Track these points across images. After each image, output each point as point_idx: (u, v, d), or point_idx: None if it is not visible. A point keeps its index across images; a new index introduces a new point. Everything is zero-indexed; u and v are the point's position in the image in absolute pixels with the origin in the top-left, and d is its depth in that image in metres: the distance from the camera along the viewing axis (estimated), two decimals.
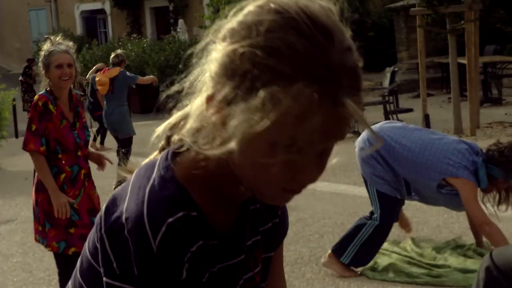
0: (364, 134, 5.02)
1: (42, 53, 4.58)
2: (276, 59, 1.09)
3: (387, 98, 12.90)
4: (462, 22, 10.71)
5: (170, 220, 1.17)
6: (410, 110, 13.80)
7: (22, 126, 19.12)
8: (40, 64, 4.61)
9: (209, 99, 1.16)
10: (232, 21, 1.17)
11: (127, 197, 1.23)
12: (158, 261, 1.17)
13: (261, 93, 1.09)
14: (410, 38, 17.17)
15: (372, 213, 5.14)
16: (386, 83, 12.87)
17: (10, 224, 8.03)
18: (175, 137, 1.30)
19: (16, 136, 16.85)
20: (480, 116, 11.35)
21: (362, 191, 7.74)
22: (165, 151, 1.30)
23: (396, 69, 13.73)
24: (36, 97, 4.62)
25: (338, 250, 5.15)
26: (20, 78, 20.92)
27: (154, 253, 1.16)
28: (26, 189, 10.30)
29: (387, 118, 12.77)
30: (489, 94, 14.59)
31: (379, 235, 5.07)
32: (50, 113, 4.48)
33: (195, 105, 1.21)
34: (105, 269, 1.22)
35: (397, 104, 13.86)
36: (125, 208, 1.21)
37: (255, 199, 1.35)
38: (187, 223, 1.19)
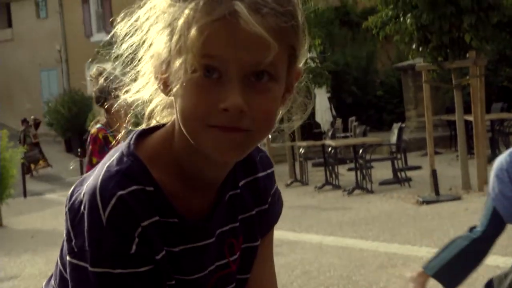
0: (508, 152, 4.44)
1: (97, 86, 4.55)
2: None
3: (395, 154, 12.92)
4: (468, 77, 10.79)
5: (120, 192, 1.17)
6: (419, 167, 13.81)
7: (29, 186, 19.24)
8: (94, 96, 4.62)
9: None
10: None
11: (92, 176, 1.24)
12: (106, 234, 1.16)
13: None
14: (418, 97, 17.25)
15: (474, 227, 4.67)
16: (393, 139, 12.91)
17: (13, 281, 8.01)
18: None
19: (25, 195, 16.89)
20: (488, 173, 11.30)
21: (368, 244, 7.74)
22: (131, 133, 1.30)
23: (404, 125, 13.79)
24: (94, 130, 4.65)
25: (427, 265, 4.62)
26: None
27: (103, 225, 1.16)
28: (31, 246, 10.33)
29: (395, 175, 12.79)
30: (497, 152, 14.58)
31: (475, 249, 4.56)
32: (110, 144, 4.51)
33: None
34: (67, 247, 1.22)
35: (406, 162, 13.88)
36: (86, 185, 1.22)
37: (235, 184, 1.34)
38: (140, 197, 1.18)
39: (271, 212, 1.42)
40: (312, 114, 17.01)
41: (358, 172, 12.26)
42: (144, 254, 1.18)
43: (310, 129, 16.80)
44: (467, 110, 11.15)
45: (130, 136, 1.28)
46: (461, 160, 11.04)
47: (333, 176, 13.32)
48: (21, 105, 33.05)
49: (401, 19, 10.74)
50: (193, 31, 1.11)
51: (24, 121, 25.20)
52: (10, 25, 35.58)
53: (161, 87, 1.21)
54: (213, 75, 1.13)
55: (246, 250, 1.39)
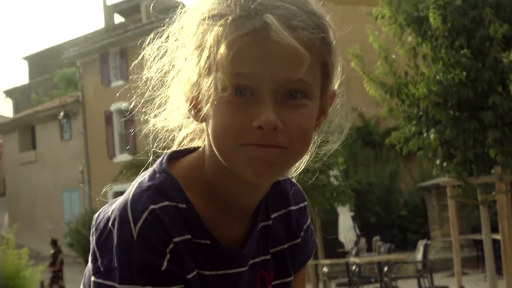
0: None
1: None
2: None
3: (420, 272, 12.70)
4: (493, 193, 10.71)
5: (153, 206, 1.14)
6: (445, 287, 13.54)
7: None
8: None
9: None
10: None
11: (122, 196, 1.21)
12: (137, 248, 1.12)
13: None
14: (442, 216, 17.13)
15: None
16: (419, 257, 12.72)
17: None
18: None
19: None
20: None
21: None
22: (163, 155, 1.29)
23: (429, 242, 13.62)
24: None
25: None
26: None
27: (133, 239, 1.12)
28: None
29: None
30: None
31: None
32: None
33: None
34: (92, 268, 1.19)
35: (432, 281, 13.63)
36: (116, 203, 1.20)
37: (267, 216, 1.30)
38: (172, 213, 1.15)
39: (303, 247, 1.39)
40: (335, 233, 16.91)
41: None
42: (175, 272, 1.15)
43: (333, 249, 16.64)
44: (494, 230, 11.00)
45: (162, 157, 1.26)
46: (489, 280, 10.80)
47: None
48: (42, 226, 33.16)
49: (424, 134, 10.78)
50: (222, 48, 1.10)
51: (54, 243, 24.74)
52: (34, 147, 36.16)
53: (192, 111, 1.20)
54: (245, 93, 1.11)
55: (279, 286, 1.35)
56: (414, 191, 20.71)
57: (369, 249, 17.73)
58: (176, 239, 1.15)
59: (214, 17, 1.13)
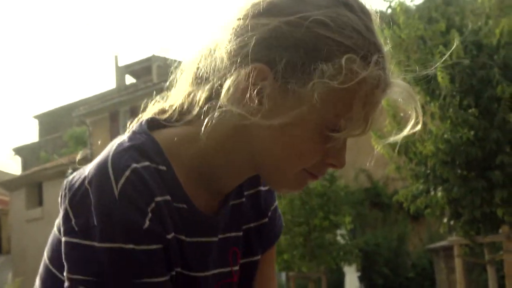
0: None
1: None
2: (344, 33, 1.14)
3: None
4: (501, 252, 10.69)
5: (135, 165, 1.13)
6: None
7: None
8: None
9: (260, 70, 1.15)
10: (257, 1, 1.19)
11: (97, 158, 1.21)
12: (119, 206, 1.11)
13: (341, 61, 1.12)
14: (451, 279, 16.98)
15: None
16: None
17: None
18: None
19: None
20: None
21: None
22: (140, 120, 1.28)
23: None
24: None
25: None
26: None
27: (115, 197, 1.11)
28: None
29: None
30: None
31: None
32: None
33: (230, 79, 1.18)
34: (64, 229, 1.16)
35: None
36: (91, 164, 1.19)
37: (240, 193, 1.34)
38: (154, 174, 1.15)
39: (271, 227, 1.42)
40: None
41: None
42: (156, 231, 1.14)
43: None
44: None
45: (140, 121, 1.27)
46: None
47: None
48: None
49: (432, 193, 10.82)
50: (376, 96, 1.17)
51: None
52: (41, 203, 36.18)
53: (275, 89, 1.17)
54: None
55: (246, 265, 1.37)
56: (422, 253, 20.58)
57: None
58: (158, 199, 1.14)
59: (369, 58, 1.16)
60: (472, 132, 9.78)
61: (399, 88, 1.20)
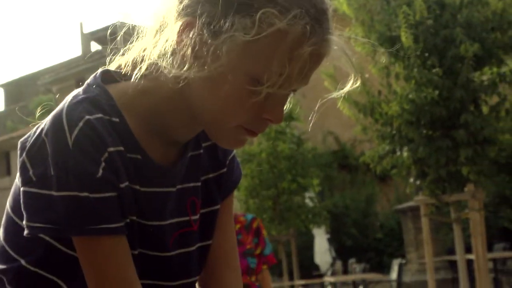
0: None
1: None
2: None
3: None
4: (466, 210, 10.80)
5: (88, 117, 1.17)
6: None
7: None
8: None
9: (187, 24, 1.19)
10: None
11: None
12: (73, 156, 1.14)
13: (256, 15, 1.12)
14: (418, 239, 17.16)
15: None
16: (394, 275, 12.77)
17: None
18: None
19: None
20: None
21: None
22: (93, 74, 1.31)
23: (404, 262, 13.66)
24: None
25: None
26: None
27: (69, 148, 1.15)
28: None
29: None
30: None
31: None
32: None
33: (165, 34, 1.22)
34: (22, 179, 1.20)
35: None
36: (47, 117, 1.23)
37: (198, 145, 1.36)
38: (106, 125, 1.19)
39: (229, 176, 1.45)
40: (311, 256, 16.93)
41: None
42: (110, 180, 1.18)
43: (309, 271, 16.64)
44: (469, 250, 11.07)
45: (95, 73, 1.31)
46: None
47: None
48: None
49: (398, 153, 10.88)
50: (301, 52, 1.15)
51: None
52: (9, 173, 35.93)
53: (199, 42, 1.18)
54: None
55: (206, 214, 1.40)
56: (389, 214, 20.80)
57: (345, 271, 17.76)
58: (111, 149, 1.18)
59: (290, 10, 1.15)
60: (436, 92, 9.82)
61: (336, 48, 1.19)
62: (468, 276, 11.09)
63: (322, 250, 16.33)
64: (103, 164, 1.17)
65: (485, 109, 10.47)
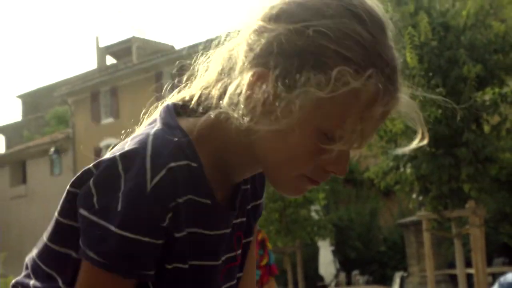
0: None
1: None
2: (345, 44, 1.11)
3: None
4: (467, 226, 10.80)
5: (172, 164, 1.14)
6: None
7: None
8: None
9: (259, 76, 1.14)
10: (274, 4, 1.18)
11: (127, 142, 1.19)
12: (148, 201, 1.11)
13: (332, 72, 1.09)
14: (420, 252, 17.15)
15: None
16: (395, 287, 12.76)
17: None
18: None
19: None
20: None
21: None
22: (163, 107, 1.27)
23: (406, 274, 13.65)
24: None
25: None
26: None
27: (146, 192, 1.11)
28: None
29: None
30: None
31: None
32: None
33: (235, 82, 1.18)
34: (83, 202, 1.16)
35: None
36: (119, 149, 1.17)
37: (246, 179, 1.33)
38: (185, 173, 1.16)
39: (261, 206, 1.44)
40: (316, 267, 16.93)
41: None
42: (170, 229, 1.16)
43: (313, 282, 16.62)
44: (469, 265, 11.07)
45: (165, 109, 1.26)
46: None
47: None
48: None
49: (401, 169, 10.90)
50: (374, 111, 1.12)
51: None
52: (24, 181, 36.04)
53: (270, 95, 1.14)
54: (336, 140, 1.14)
55: (245, 245, 1.39)
56: (393, 228, 20.78)
57: (349, 283, 17.75)
58: (182, 198, 1.16)
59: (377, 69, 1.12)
60: (439, 111, 9.84)
61: (405, 104, 1.17)
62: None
63: (326, 262, 16.34)
64: (170, 213, 1.14)
65: (486, 128, 10.49)
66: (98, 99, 33.09)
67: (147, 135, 1.17)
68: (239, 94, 1.15)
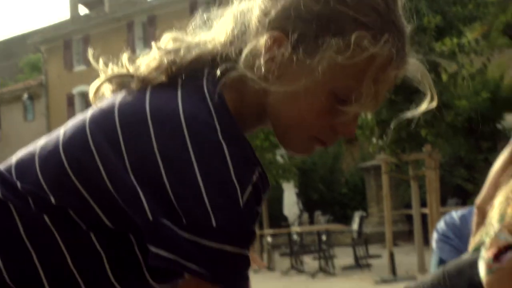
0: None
1: None
2: (361, 10, 1.11)
3: (356, 241, 13.01)
4: (424, 169, 11.03)
5: (254, 179, 1.09)
6: (379, 256, 13.88)
7: None
8: None
9: (277, 39, 1.13)
10: None
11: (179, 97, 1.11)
12: (245, 214, 1.06)
13: (351, 37, 1.09)
14: (379, 195, 17.43)
15: None
16: (355, 226, 13.01)
17: None
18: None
19: None
20: None
21: None
22: (205, 72, 1.18)
23: (365, 214, 13.92)
24: None
25: None
26: None
27: (241, 207, 1.05)
28: None
29: (356, 262, 12.82)
30: None
31: None
32: None
33: (250, 44, 1.15)
34: (161, 208, 1.05)
35: (367, 251, 13.95)
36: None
37: None
38: (261, 178, 1.12)
39: None
40: (280, 208, 17.16)
41: (322, 257, 12.31)
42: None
43: (278, 222, 16.88)
44: (424, 205, 11.34)
45: (210, 78, 1.17)
46: (417, 250, 11.14)
47: (299, 262, 13.33)
48: None
49: (363, 115, 11.03)
50: (388, 74, 1.12)
51: None
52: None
53: (288, 56, 1.12)
54: (347, 102, 1.13)
55: None
56: (354, 171, 21.06)
57: (311, 222, 18.03)
58: (259, 209, 1.14)
59: (393, 34, 1.13)
60: None
61: (413, 67, 1.20)
62: (423, 229, 11.35)
63: (290, 203, 16.54)
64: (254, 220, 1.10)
65: (444, 77, 10.63)
66: (70, 47, 32.73)
67: (213, 118, 1.10)
68: (256, 56, 1.13)
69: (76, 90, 31.12)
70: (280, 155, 15.26)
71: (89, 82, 1.24)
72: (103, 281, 1.12)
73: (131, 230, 1.09)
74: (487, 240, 1.94)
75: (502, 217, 1.96)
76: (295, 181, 15.91)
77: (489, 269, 1.91)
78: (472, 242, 2.32)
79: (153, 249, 1.03)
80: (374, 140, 11.13)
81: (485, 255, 1.92)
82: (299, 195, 17.59)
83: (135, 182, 1.04)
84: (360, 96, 1.10)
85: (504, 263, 1.88)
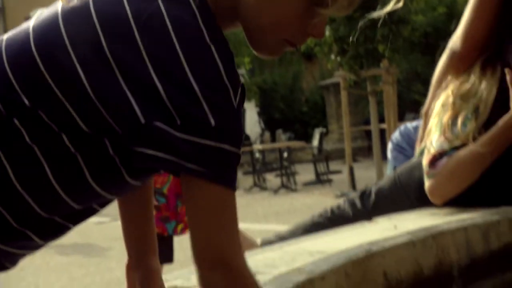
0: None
1: None
2: None
3: (316, 157, 13.05)
4: (381, 84, 10.99)
5: (241, 81, 1.06)
6: (339, 172, 13.98)
7: None
8: None
9: None
10: None
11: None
12: (237, 115, 1.02)
13: None
14: (339, 112, 17.48)
15: None
16: (315, 143, 13.03)
17: None
18: None
19: None
20: None
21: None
22: None
23: (324, 130, 13.94)
24: None
25: None
26: None
27: (234, 105, 1.02)
28: None
29: (317, 177, 12.89)
30: None
31: None
32: None
33: None
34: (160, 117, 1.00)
35: (328, 168, 14.04)
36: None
37: None
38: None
39: None
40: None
41: (283, 174, 12.35)
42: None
43: None
44: (382, 121, 11.35)
45: None
46: (376, 161, 11.20)
47: (261, 180, 13.37)
48: None
49: None
50: None
51: None
52: None
53: None
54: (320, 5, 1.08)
55: None
56: (314, 89, 21.03)
57: (273, 140, 18.07)
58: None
59: None
60: None
61: None
62: (381, 144, 11.40)
63: (252, 122, 16.53)
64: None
65: None
66: None
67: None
68: None
69: (34, 13, 30.40)
70: (241, 75, 15.13)
71: (47, 4, 1.17)
72: (79, 182, 1.07)
73: (107, 135, 1.03)
74: (425, 149, 2.07)
75: (440, 125, 2.06)
76: (256, 100, 15.83)
77: (427, 175, 2.05)
78: (418, 147, 2.39)
79: (148, 151, 0.98)
80: (332, 56, 11.03)
81: (423, 162, 2.05)
82: (260, 114, 17.55)
83: (123, 86, 0.97)
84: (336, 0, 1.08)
85: (439, 168, 2.02)
